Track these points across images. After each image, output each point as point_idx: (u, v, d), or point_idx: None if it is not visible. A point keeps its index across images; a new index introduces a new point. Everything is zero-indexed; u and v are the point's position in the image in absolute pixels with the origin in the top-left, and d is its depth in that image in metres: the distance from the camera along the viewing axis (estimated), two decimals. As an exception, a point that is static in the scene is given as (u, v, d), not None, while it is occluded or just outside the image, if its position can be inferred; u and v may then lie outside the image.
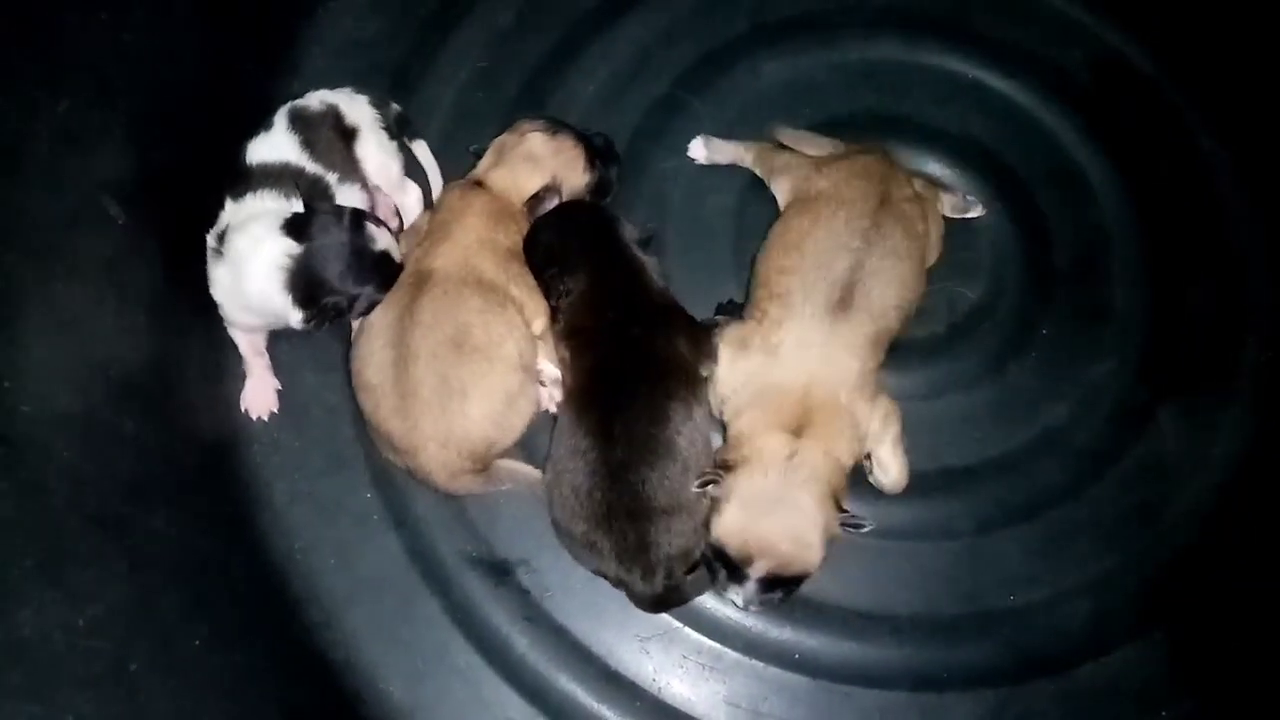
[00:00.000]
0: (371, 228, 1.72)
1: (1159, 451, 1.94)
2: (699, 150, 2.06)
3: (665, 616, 1.80)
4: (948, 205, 2.00)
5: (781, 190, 1.91)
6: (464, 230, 1.77)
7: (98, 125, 1.70)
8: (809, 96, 2.15)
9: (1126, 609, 1.84)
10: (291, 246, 1.66)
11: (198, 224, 1.81)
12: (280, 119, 1.84)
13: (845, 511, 1.61)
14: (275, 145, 1.81)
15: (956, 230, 2.04)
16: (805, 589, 1.79)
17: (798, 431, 1.61)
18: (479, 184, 1.86)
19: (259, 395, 1.89)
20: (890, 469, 1.76)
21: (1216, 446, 1.95)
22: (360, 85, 1.99)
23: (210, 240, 1.75)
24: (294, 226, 1.69)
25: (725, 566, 1.59)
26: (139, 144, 1.77)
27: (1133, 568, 1.86)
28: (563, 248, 1.78)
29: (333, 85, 1.97)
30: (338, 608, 1.81)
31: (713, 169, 2.07)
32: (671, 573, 1.66)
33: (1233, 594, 1.85)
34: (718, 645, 1.80)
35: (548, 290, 1.76)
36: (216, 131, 1.87)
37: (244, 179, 1.78)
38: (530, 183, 1.85)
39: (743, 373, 1.70)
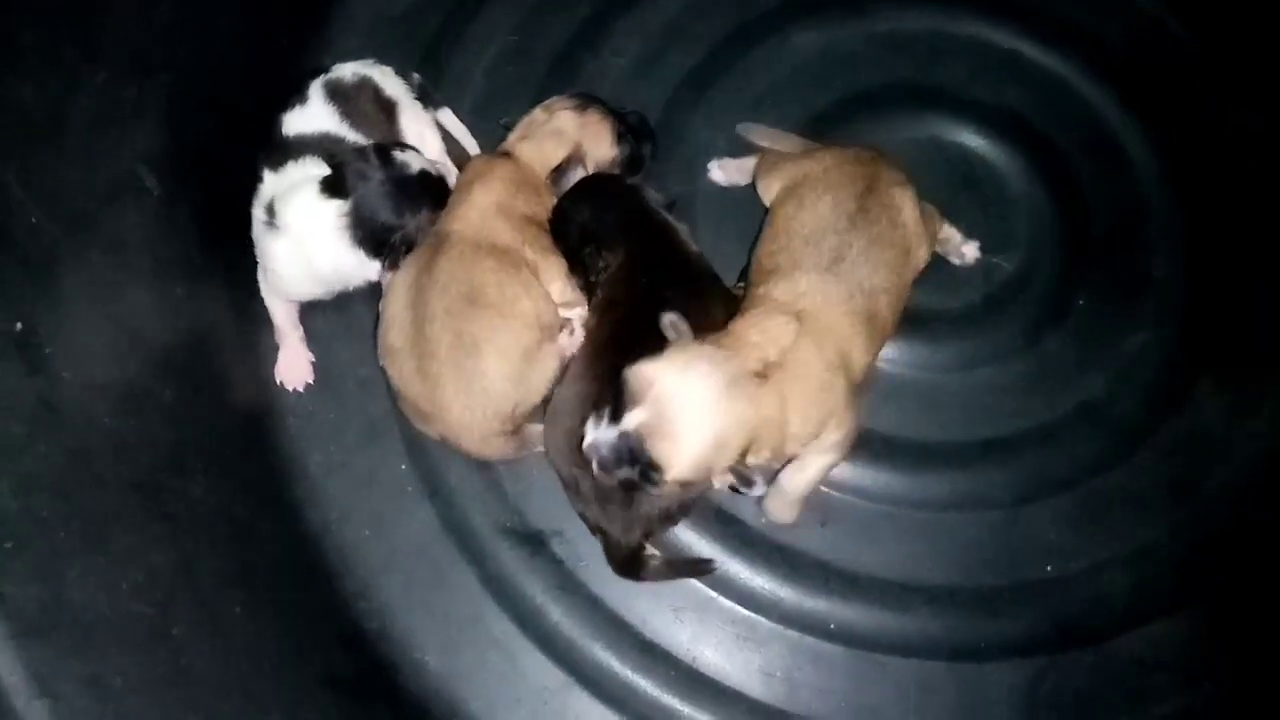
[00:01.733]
0: (399, 155, 1.74)
1: (1197, 424, 1.92)
2: (717, 174, 2.03)
3: (699, 585, 1.80)
4: (948, 240, 1.96)
5: (770, 189, 1.83)
6: (484, 194, 1.77)
7: (134, 98, 1.71)
8: (842, 68, 2.13)
9: (1165, 581, 1.82)
10: (340, 205, 1.70)
11: (231, 197, 1.84)
12: (316, 91, 1.85)
13: (745, 464, 1.46)
14: (313, 117, 1.83)
15: (993, 201, 2.04)
16: (842, 558, 1.80)
17: (765, 372, 1.48)
18: (506, 154, 1.86)
19: (294, 367, 1.90)
20: (788, 494, 1.73)
21: (1257, 419, 1.92)
22: (392, 60, 2.00)
23: (259, 213, 1.77)
24: (332, 185, 1.71)
25: (614, 399, 1.45)
26: (174, 117, 1.78)
27: (1172, 540, 1.84)
28: (598, 223, 1.77)
29: (364, 60, 1.98)
30: (373, 578, 1.82)
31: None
32: (650, 531, 1.66)
33: (1274, 568, 1.82)
34: (752, 615, 1.80)
35: (585, 268, 1.75)
36: (250, 105, 1.89)
37: (282, 150, 1.80)
38: (555, 155, 1.85)
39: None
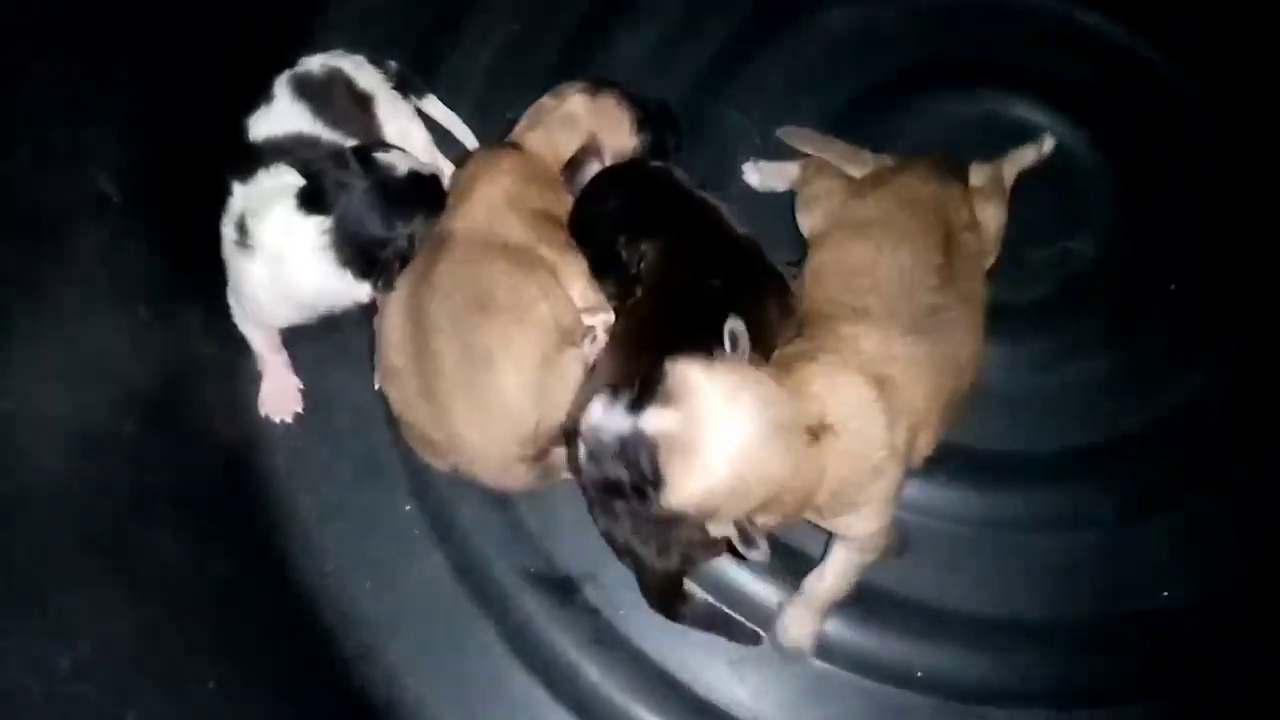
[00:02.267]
0: (382, 156, 1.52)
1: (1325, 419, 1.68)
2: (753, 178, 1.80)
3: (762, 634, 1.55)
4: (1022, 161, 1.75)
5: (812, 219, 1.62)
6: (490, 188, 1.55)
7: (91, 95, 1.49)
8: (882, 46, 1.92)
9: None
10: (320, 221, 1.48)
11: (206, 208, 1.61)
12: (282, 89, 1.65)
13: (752, 522, 1.21)
14: (282, 117, 1.62)
15: (1060, 181, 1.81)
16: (923, 592, 1.58)
17: (818, 432, 1.23)
18: (513, 146, 1.65)
19: (279, 395, 1.68)
20: (811, 602, 1.49)
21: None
22: (384, 56, 1.79)
23: (228, 231, 1.56)
24: (310, 199, 1.50)
25: (642, 387, 1.19)
26: (138, 118, 1.58)
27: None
28: (629, 209, 1.55)
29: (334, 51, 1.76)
30: (377, 637, 1.58)
31: (781, 122, 1.83)
32: (691, 558, 1.42)
33: None
34: (824, 665, 1.55)
35: (621, 263, 1.52)
36: (225, 107, 1.65)
37: (251, 157, 1.59)
38: (568, 145, 1.64)
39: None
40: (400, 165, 1.52)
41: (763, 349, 1.42)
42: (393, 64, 1.77)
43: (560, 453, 1.53)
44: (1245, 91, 1.88)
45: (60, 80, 1.45)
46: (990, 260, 1.58)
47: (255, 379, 1.67)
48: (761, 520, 1.23)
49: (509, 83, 1.89)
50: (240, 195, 1.57)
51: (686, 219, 1.53)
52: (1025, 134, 1.81)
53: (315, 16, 1.92)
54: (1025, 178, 1.79)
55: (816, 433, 1.22)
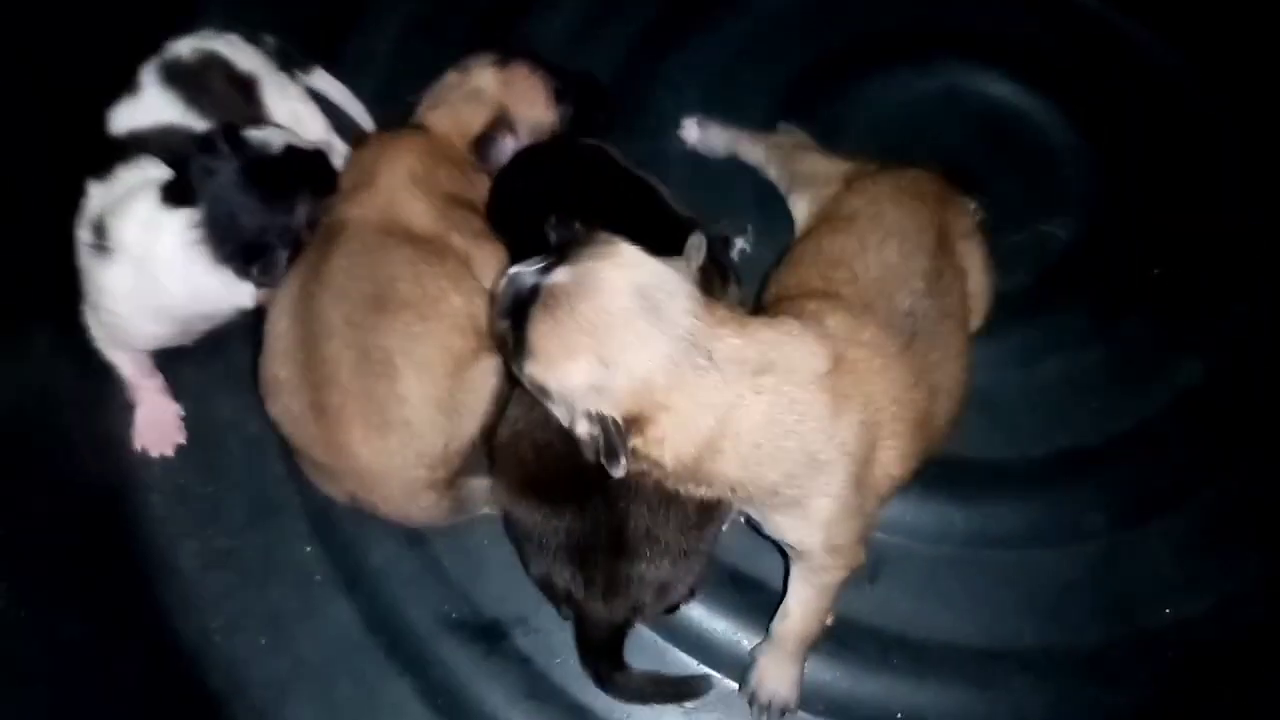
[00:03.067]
0: (255, 133, 1.33)
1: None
2: (692, 133, 1.64)
3: (719, 677, 1.35)
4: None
5: (802, 205, 1.48)
6: (390, 171, 1.37)
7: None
8: (831, 13, 1.77)
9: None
10: (190, 214, 1.28)
11: (58, 211, 1.38)
12: (149, 77, 1.45)
13: (620, 432, 1.02)
14: (149, 108, 1.43)
15: (1033, 159, 1.68)
16: (901, 621, 1.40)
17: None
18: (416, 128, 1.47)
19: (156, 426, 1.47)
20: (781, 645, 1.29)
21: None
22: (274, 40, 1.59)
23: (83, 234, 1.34)
24: (174, 191, 1.30)
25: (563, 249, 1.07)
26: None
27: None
28: (559, 190, 1.38)
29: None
30: (274, 703, 1.36)
31: (721, 107, 1.65)
32: (640, 605, 1.23)
33: None
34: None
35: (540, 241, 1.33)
36: (85, 96, 1.45)
37: (110, 153, 1.39)
38: (475, 120, 1.47)
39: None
40: (275, 141, 1.33)
41: None
42: (270, 39, 1.58)
43: (477, 483, 1.34)
44: (1227, 61, 1.75)
45: None
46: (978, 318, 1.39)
47: (126, 408, 1.45)
48: (639, 447, 1.03)
49: (414, 67, 1.66)
50: (98, 195, 1.36)
51: (623, 201, 1.35)
52: (996, 109, 1.67)
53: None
54: (997, 157, 1.64)
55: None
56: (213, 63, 1.49)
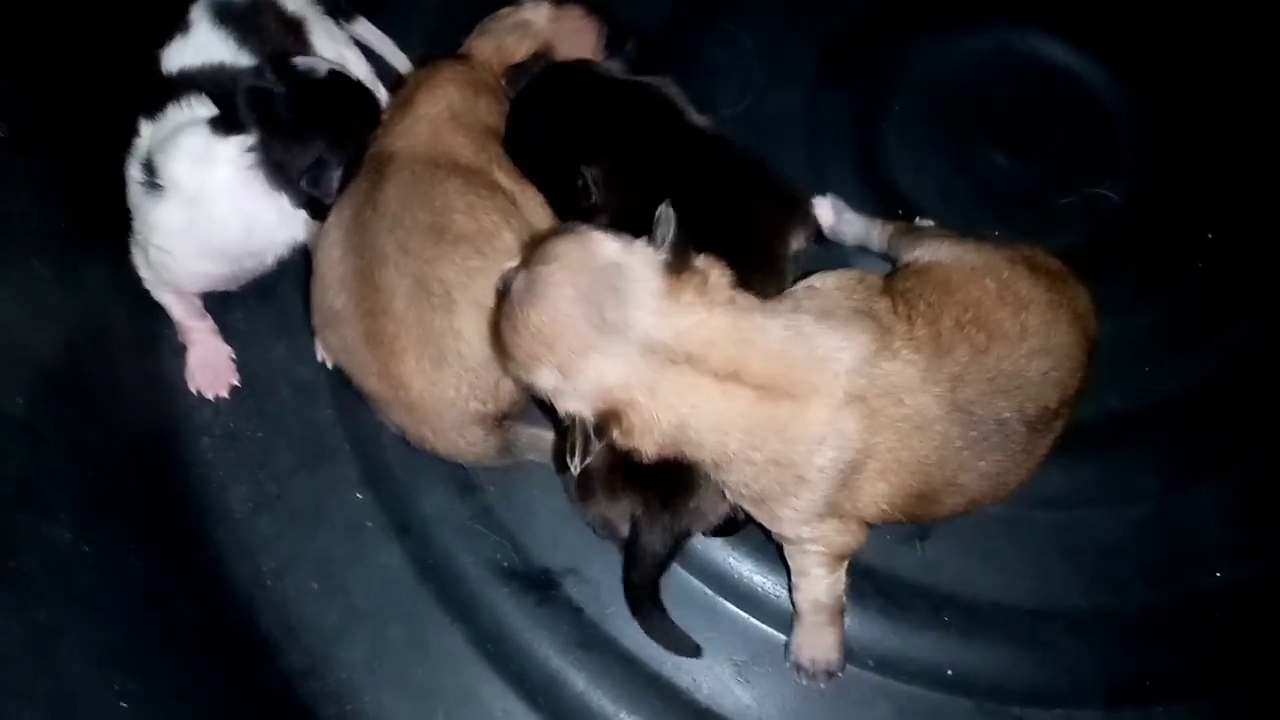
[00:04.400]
0: (301, 60, 1.36)
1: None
2: (826, 215, 1.49)
3: (768, 629, 1.36)
4: None
5: (930, 252, 1.30)
6: (431, 101, 1.38)
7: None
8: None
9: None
10: (241, 140, 1.28)
11: (114, 147, 1.38)
12: (201, 16, 1.45)
13: (585, 432, 1.03)
14: (201, 47, 1.43)
15: (1085, 121, 1.66)
16: (952, 581, 1.40)
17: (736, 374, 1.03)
18: (458, 57, 1.47)
19: (210, 368, 1.46)
20: (806, 617, 1.28)
21: None
22: None
23: (134, 172, 1.34)
24: (225, 121, 1.31)
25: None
26: (26, 36, 1.36)
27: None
28: (566, 125, 1.36)
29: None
30: (325, 647, 1.36)
31: (769, 59, 1.63)
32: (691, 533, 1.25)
33: None
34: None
35: (567, 185, 1.33)
36: (135, 35, 1.44)
37: (162, 92, 1.39)
38: (518, 50, 1.47)
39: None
40: (321, 67, 1.35)
41: (766, 256, 1.27)
42: None
43: (526, 430, 1.34)
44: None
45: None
46: None
47: (178, 350, 1.45)
48: (621, 439, 1.04)
49: (464, 12, 1.66)
50: (148, 135, 1.36)
51: (637, 121, 1.34)
52: (1049, 70, 1.66)
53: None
54: (1048, 118, 1.63)
55: (732, 374, 1.02)
56: (262, 4, 1.48)
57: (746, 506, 1.15)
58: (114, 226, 1.38)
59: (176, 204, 1.30)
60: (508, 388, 1.28)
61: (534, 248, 1.06)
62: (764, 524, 1.18)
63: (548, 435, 1.34)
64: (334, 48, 1.52)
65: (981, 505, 1.19)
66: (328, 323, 1.30)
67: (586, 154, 1.32)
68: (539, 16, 1.49)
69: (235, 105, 1.30)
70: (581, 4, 1.50)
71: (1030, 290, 1.19)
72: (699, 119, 1.39)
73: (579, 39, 1.49)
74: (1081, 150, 1.63)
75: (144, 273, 1.40)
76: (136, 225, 1.36)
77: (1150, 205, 1.60)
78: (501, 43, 1.48)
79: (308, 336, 1.44)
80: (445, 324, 1.22)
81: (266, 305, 1.50)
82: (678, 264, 1.03)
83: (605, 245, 1.04)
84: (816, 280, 1.20)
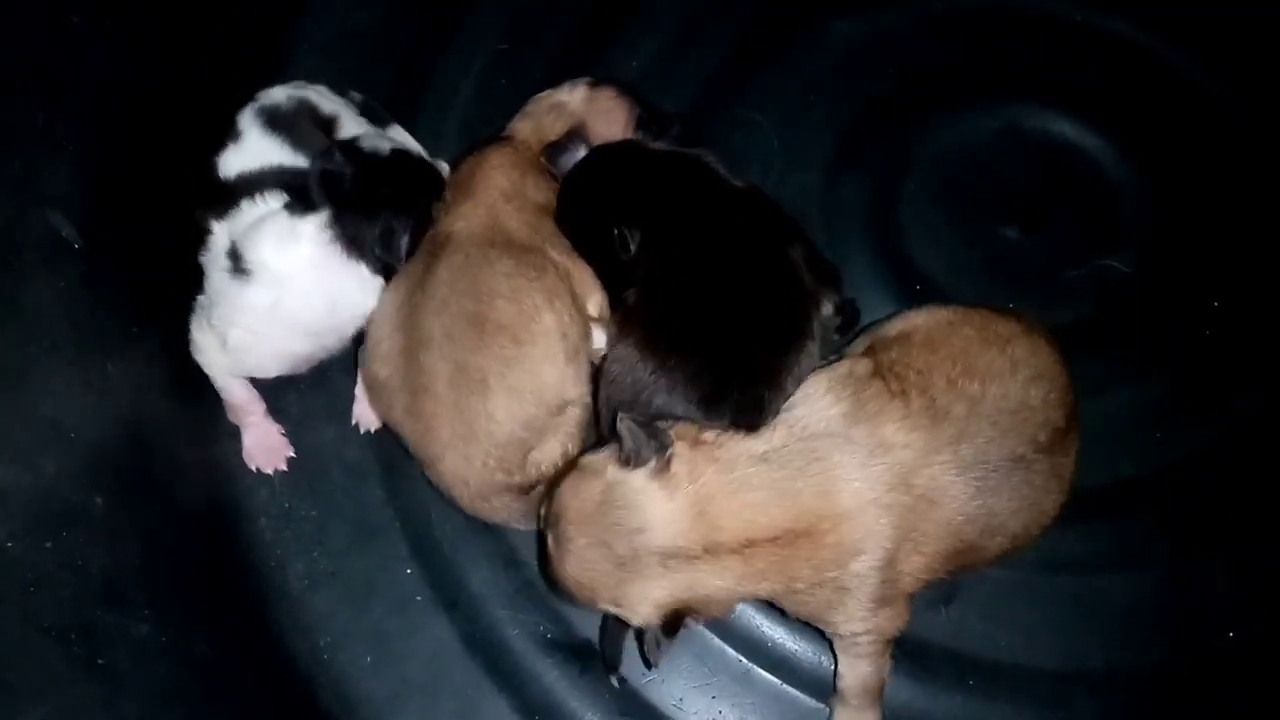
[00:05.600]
0: (367, 140, 1.47)
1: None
2: None
3: (804, 698, 1.44)
4: None
5: (903, 321, 1.38)
6: (486, 184, 1.45)
7: (41, 126, 1.34)
8: (894, 55, 1.81)
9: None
10: (319, 217, 1.38)
11: (175, 251, 1.47)
12: (250, 123, 1.52)
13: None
14: (256, 153, 1.49)
15: (1092, 195, 1.72)
16: (976, 643, 1.46)
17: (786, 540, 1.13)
18: (502, 139, 1.55)
19: (265, 445, 1.53)
20: (850, 703, 1.33)
21: None
22: (360, 82, 1.68)
23: (220, 263, 1.42)
24: (299, 200, 1.41)
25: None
26: (95, 152, 1.43)
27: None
28: (615, 183, 1.44)
29: (327, 83, 1.64)
30: (381, 717, 1.43)
31: (789, 142, 1.71)
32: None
33: None
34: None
35: (610, 253, 1.40)
36: (191, 141, 1.51)
37: (227, 195, 1.46)
38: (554, 129, 1.54)
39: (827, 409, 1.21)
40: (384, 146, 1.45)
41: (805, 314, 1.35)
42: (356, 95, 1.66)
43: None
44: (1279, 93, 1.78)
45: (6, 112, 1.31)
46: None
47: (233, 435, 1.52)
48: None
49: (497, 104, 1.74)
50: (222, 231, 1.44)
51: (679, 186, 1.42)
52: (1056, 146, 1.72)
53: (279, 44, 1.79)
54: (1057, 193, 1.70)
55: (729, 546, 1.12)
56: (303, 107, 1.56)
57: (809, 620, 1.24)
58: (170, 324, 1.45)
59: (264, 285, 1.37)
60: (534, 461, 1.35)
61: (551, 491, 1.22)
62: (825, 631, 1.26)
63: None
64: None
65: (1030, 538, 1.26)
66: (373, 389, 1.39)
67: (629, 216, 1.39)
68: (574, 98, 1.56)
69: (309, 190, 1.39)
70: (614, 86, 1.57)
71: (1005, 326, 1.28)
72: (739, 183, 1.46)
73: (610, 118, 1.55)
74: (1090, 224, 1.68)
75: (216, 359, 1.45)
76: (219, 314, 1.41)
77: (1157, 276, 1.66)
78: (539, 123, 1.55)
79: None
80: (479, 406, 1.29)
81: (317, 390, 1.57)
82: (661, 461, 1.13)
83: (596, 480, 1.15)
84: (811, 388, 1.25)
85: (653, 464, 1.13)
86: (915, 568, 1.18)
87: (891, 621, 1.22)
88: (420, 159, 1.52)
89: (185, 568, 1.37)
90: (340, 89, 1.64)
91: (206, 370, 1.47)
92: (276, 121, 1.52)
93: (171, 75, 1.59)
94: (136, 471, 1.36)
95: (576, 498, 1.16)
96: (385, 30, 1.83)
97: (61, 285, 1.34)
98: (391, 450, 1.48)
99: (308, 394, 1.57)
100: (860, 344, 1.37)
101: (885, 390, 1.20)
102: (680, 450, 1.14)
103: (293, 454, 1.55)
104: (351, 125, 1.59)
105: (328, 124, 1.57)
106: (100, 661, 1.12)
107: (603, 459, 1.17)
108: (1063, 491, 1.26)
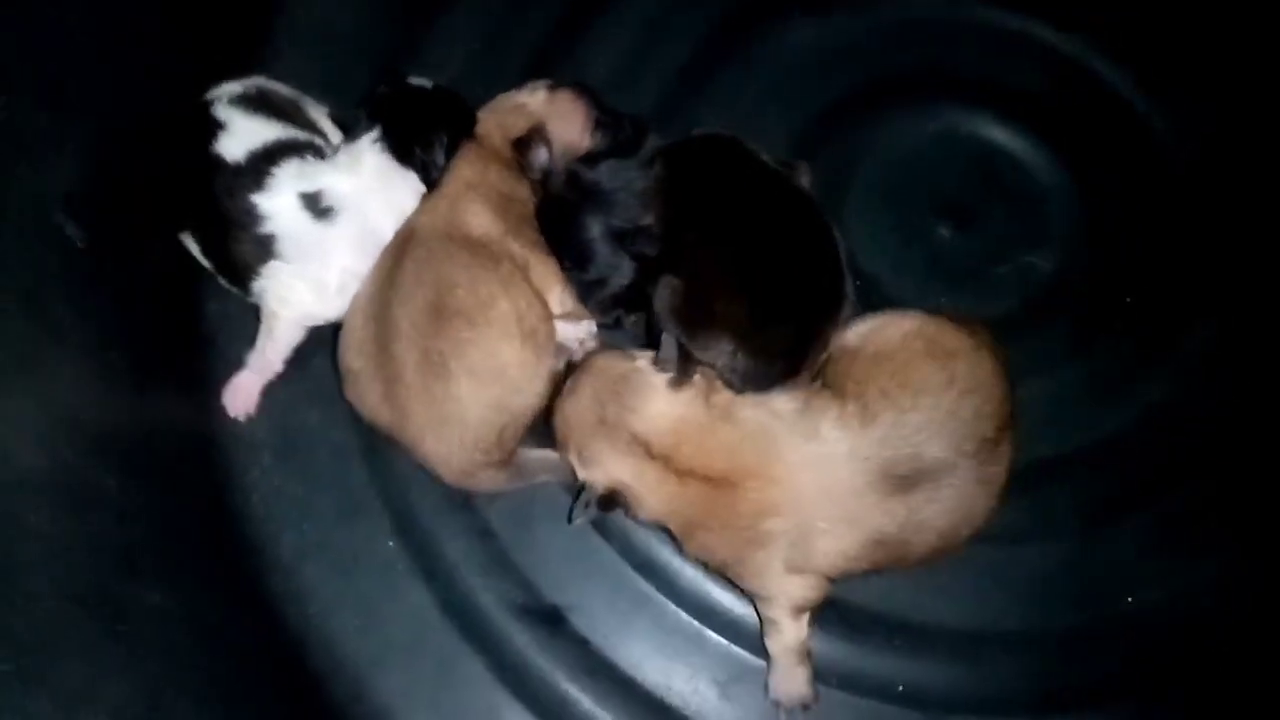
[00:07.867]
0: (411, 79, 1.67)
1: (1285, 422, 1.73)
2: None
3: (744, 654, 1.59)
4: None
5: (857, 336, 1.51)
6: (451, 176, 1.57)
7: (45, 128, 1.44)
8: (844, 60, 1.92)
9: (1265, 604, 1.63)
10: (371, 133, 1.57)
11: (174, 242, 1.58)
12: (227, 112, 1.56)
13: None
14: (250, 133, 1.55)
15: (1021, 196, 1.86)
16: (903, 608, 1.62)
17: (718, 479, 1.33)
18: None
19: (246, 391, 1.63)
20: (779, 661, 1.50)
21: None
22: (341, 82, 1.78)
23: (296, 216, 1.51)
24: (345, 131, 1.66)
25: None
26: (97, 151, 1.53)
27: (1266, 556, 1.65)
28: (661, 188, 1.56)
29: (309, 80, 1.76)
30: (366, 677, 1.56)
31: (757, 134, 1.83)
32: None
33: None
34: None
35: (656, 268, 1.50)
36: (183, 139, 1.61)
37: (250, 170, 1.52)
38: (516, 127, 1.63)
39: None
40: (427, 83, 1.65)
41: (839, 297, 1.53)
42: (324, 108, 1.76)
43: (534, 454, 1.55)
44: (1200, 109, 1.91)
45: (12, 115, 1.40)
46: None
47: (228, 422, 1.63)
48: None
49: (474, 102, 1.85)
50: (265, 200, 1.50)
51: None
52: (989, 149, 1.86)
53: (264, 43, 1.87)
54: (988, 193, 1.84)
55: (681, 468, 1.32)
56: (264, 89, 1.64)
57: (722, 570, 1.41)
58: (175, 316, 1.57)
59: (348, 214, 1.51)
60: (510, 435, 1.48)
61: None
62: (737, 583, 1.44)
63: (553, 455, 1.52)
64: (327, 122, 1.70)
65: (959, 537, 1.40)
66: (350, 381, 1.50)
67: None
68: (534, 99, 1.65)
69: (356, 119, 1.58)
70: (572, 89, 1.67)
71: (955, 341, 1.42)
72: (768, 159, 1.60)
73: (569, 119, 1.64)
74: (1017, 223, 1.81)
75: (310, 309, 1.56)
76: (312, 267, 1.51)
77: (1077, 273, 1.80)
78: (503, 120, 1.63)
79: (340, 405, 1.62)
80: (444, 390, 1.41)
81: (303, 375, 1.66)
82: (678, 380, 1.32)
83: (627, 362, 1.36)
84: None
85: (672, 375, 1.34)
86: (830, 550, 1.34)
87: (802, 591, 1.39)
88: (456, 94, 1.66)
89: (189, 542, 1.50)
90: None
91: (288, 324, 1.57)
92: (249, 104, 1.59)
93: (166, 78, 1.68)
94: (141, 454, 1.48)
95: (608, 364, 1.39)
96: (362, 33, 1.91)
97: (69, 280, 1.44)
98: (373, 433, 1.59)
99: (293, 379, 1.66)
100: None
101: (832, 396, 1.38)
102: (697, 380, 1.35)
103: (254, 411, 1.63)
104: (311, 106, 1.70)
105: (293, 103, 1.67)
106: (121, 627, 1.24)
107: (636, 356, 1.40)
108: (991, 496, 1.38)
